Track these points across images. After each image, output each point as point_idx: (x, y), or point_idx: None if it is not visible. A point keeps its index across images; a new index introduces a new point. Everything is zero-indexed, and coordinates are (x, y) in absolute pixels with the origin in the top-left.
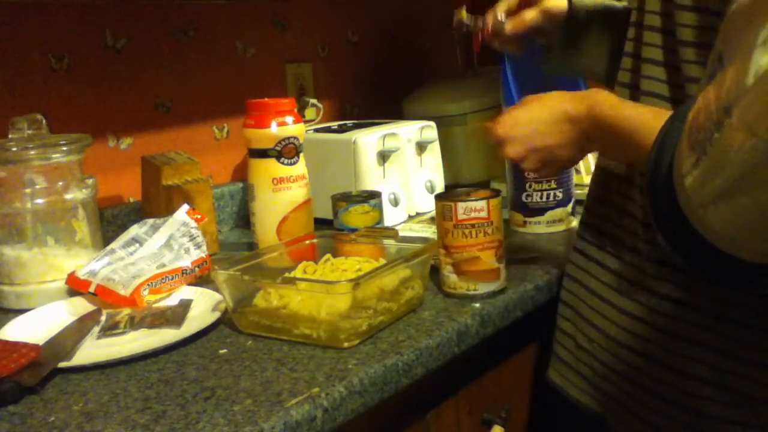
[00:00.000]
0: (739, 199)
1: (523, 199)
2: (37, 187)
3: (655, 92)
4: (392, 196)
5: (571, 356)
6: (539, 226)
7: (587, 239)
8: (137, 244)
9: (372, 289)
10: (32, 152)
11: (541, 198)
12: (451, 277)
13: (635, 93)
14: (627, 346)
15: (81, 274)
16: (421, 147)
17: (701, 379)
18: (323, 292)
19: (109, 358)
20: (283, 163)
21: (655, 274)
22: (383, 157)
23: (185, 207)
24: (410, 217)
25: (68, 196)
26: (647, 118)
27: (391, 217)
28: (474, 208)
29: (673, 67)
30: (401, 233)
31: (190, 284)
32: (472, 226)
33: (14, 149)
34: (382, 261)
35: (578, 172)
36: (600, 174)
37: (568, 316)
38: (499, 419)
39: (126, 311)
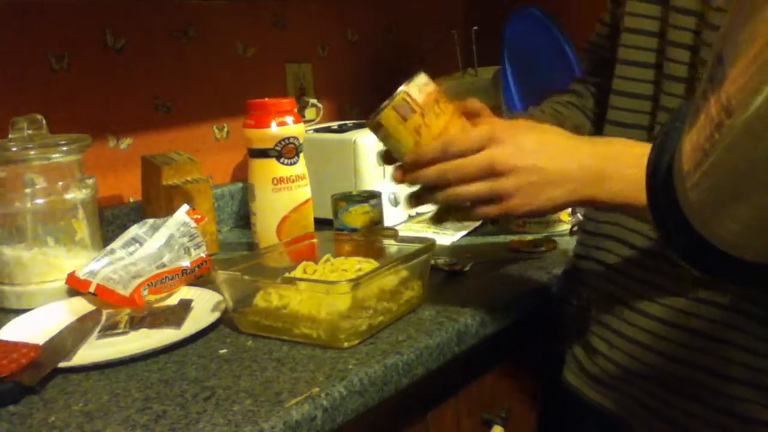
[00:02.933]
0: (740, 200)
1: None
2: (37, 187)
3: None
4: (392, 196)
5: (588, 360)
6: (539, 226)
7: (597, 244)
8: (137, 244)
9: (372, 289)
10: (32, 152)
11: None
12: None
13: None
14: (654, 350)
15: (81, 274)
16: None
17: (737, 380)
18: (323, 292)
19: (109, 358)
20: (283, 163)
21: (680, 276)
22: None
23: (185, 207)
24: (410, 217)
25: (68, 196)
26: None
27: (391, 217)
28: (421, 83)
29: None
30: (401, 233)
31: (190, 284)
32: (436, 101)
33: (14, 149)
34: (382, 261)
35: None
36: None
37: (581, 319)
38: (499, 419)
39: (126, 311)
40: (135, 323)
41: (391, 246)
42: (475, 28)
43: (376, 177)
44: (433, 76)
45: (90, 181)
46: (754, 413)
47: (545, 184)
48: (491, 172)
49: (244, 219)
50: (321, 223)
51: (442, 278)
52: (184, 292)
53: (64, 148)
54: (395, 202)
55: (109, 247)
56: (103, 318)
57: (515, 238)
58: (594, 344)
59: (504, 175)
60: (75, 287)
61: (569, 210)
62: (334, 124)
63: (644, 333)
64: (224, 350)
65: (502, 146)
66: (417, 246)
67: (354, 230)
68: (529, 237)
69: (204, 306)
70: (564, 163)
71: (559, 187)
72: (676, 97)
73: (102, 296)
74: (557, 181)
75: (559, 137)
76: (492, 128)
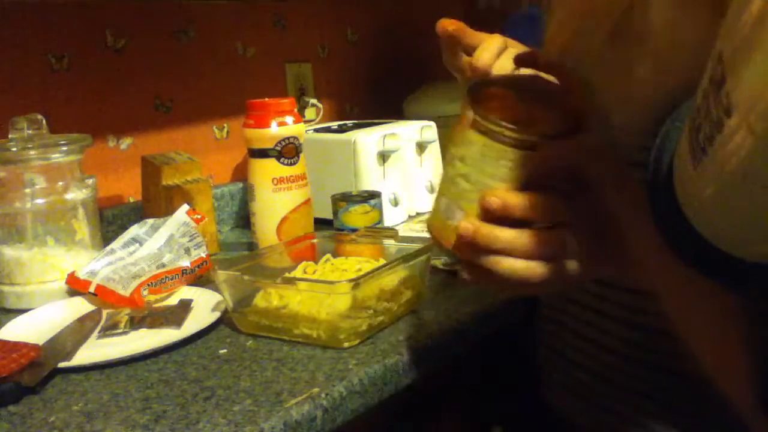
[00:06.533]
0: (740, 200)
1: None
2: (37, 187)
3: None
4: (392, 196)
5: (562, 374)
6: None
7: None
8: (137, 244)
9: (372, 289)
10: (32, 152)
11: None
12: None
13: None
14: (630, 357)
15: (81, 274)
16: (421, 147)
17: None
18: (323, 292)
19: (109, 358)
20: (283, 163)
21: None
22: (383, 157)
23: (185, 207)
24: (410, 217)
25: (68, 196)
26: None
27: (391, 217)
28: None
29: None
30: (401, 233)
31: (190, 284)
32: None
33: (14, 149)
34: (382, 261)
35: None
36: None
37: (552, 329)
38: (499, 420)
39: (126, 311)
40: (135, 323)
41: (391, 246)
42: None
43: (376, 177)
44: (434, 76)
45: (90, 181)
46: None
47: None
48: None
49: (244, 219)
50: (321, 223)
51: (442, 278)
52: (184, 292)
53: (64, 148)
54: (395, 202)
55: (109, 247)
56: (103, 318)
57: None
58: (568, 355)
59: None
60: (75, 287)
61: None
62: (334, 124)
63: (618, 340)
64: (224, 350)
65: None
66: (417, 246)
67: (354, 230)
68: None
69: (204, 306)
70: None
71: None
72: None
73: (102, 296)
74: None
75: None
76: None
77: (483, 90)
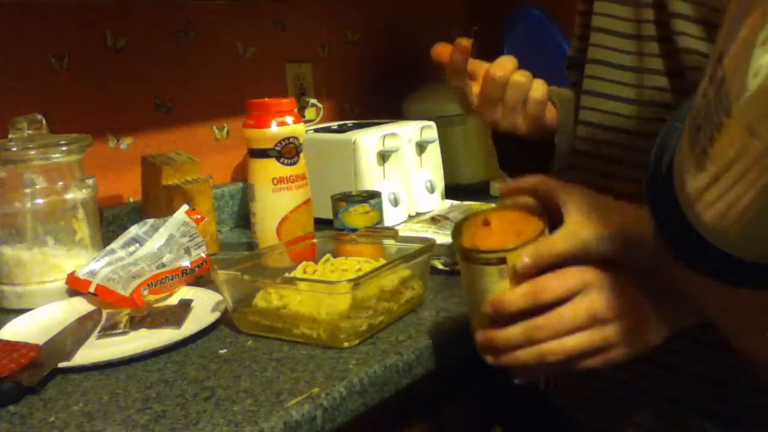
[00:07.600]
0: (739, 200)
1: None
2: (37, 187)
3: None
4: (392, 196)
5: (567, 372)
6: None
7: None
8: (137, 244)
9: (372, 289)
10: (32, 152)
11: None
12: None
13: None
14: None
15: (81, 274)
16: (421, 147)
17: (732, 384)
18: (323, 292)
19: (109, 358)
20: (283, 163)
21: None
22: (383, 157)
23: (185, 207)
24: (410, 217)
25: (68, 196)
26: None
27: (391, 217)
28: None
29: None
30: (401, 233)
31: (190, 284)
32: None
33: (14, 149)
34: (382, 261)
35: None
36: None
37: None
38: (499, 420)
39: (126, 311)
40: (135, 323)
41: (391, 246)
42: (475, 27)
43: (376, 177)
44: (434, 76)
45: (90, 181)
46: (748, 416)
47: (650, 322)
48: (591, 324)
49: (244, 219)
50: (321, 223)
51: (442, 278)
52: (184, 292)
53: (64, 148)
54: (395, 202)
55: (109, 247)
56: (103, 318)
57: None
58: None
59: (606, 324)
60: (75, 287)
61: None
62: (334, 124)
63: None
64: (224, 350)
65: (599, 293)
66: (417, 246)
67: (354, 230)
68: None
69: (204, 306)
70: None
71: (665, 314)
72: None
73: (102, 296)
74: (663, 311)
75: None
76: (584, 271)
77: (463, 223)
